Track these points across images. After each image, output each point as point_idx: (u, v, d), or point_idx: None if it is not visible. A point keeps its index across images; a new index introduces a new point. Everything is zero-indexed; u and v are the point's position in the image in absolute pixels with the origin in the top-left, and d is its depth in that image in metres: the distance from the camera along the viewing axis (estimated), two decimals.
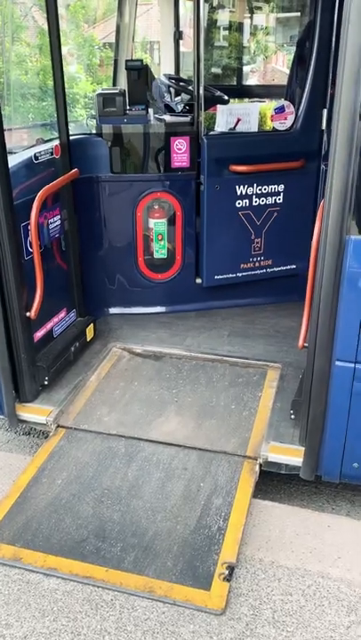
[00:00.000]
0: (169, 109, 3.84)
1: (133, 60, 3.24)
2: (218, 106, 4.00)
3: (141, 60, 3.27)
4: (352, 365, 2.05)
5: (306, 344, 2.19)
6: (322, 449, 2.22)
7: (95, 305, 3.40)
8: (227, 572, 1.90)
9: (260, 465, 2.37)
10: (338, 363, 2.06)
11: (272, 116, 3.39)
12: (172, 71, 4.44)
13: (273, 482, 2.62)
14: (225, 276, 3.49)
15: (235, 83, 4.90)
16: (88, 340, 3.13)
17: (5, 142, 2.27)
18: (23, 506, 2.19)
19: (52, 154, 2.76)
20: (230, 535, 2.04)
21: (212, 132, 3.45)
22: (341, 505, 2.53)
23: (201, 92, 3.19)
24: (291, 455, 2.34)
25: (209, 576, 1.90)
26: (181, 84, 3.78)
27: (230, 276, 3.51)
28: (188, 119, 3.30)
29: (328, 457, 2.22)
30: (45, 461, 2.41)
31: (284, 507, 2.29)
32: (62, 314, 3.00)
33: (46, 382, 2.72)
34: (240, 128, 3.50)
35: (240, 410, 2.68)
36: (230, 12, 4.95)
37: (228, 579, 1.89)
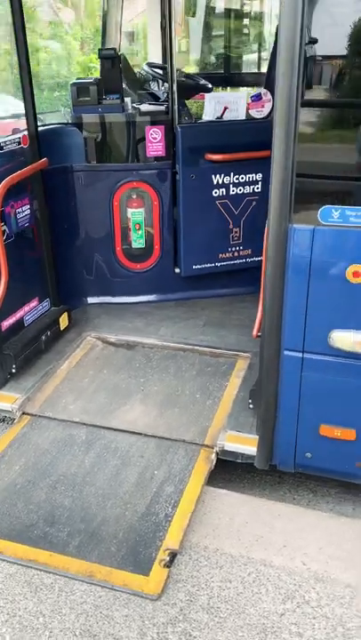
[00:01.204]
0: (155, 98, 3.83)
1: (107, 49, 3.24)
2: (205, 94, 3.98)
3: (114, 49, 3.27)
4: (300, 355, 2.04)
5: (260, 333, 2.19)
6: (275, 438, 2.21)
7: (73, 295, 3.43)
8: (168, 559, 1.92)
9: (217, 454, 2.37)
10: (286, 352, 2.06)
11: (249, 103, 3.36)
12: (159, 60, 4.41)
13: (237, 471, 2.62)
14: (203, 266, 3.49)
15: (222, 70, 4.84)
16: (62, 329, 3.16)
17: None
18: None
19: (19, 143, 2.78)
20: (177, 522, 2.06)
21: (200, 121, 3.44)
22: (303, 495, 2.53)
23: (175, 79, 3.16)
24: (247, 444, 2.34)
25: (150, 562, 1.92)
26: (158, 71, 3.76)
27: (209, 265, 3.50)
28: (163, 108, 3.28)
29: (281, 446, 2.22)
30: (6, 448, 2.45)
31: (238, 495, 2.29)
32: (34, 303, 3.03)
33: (14, 370, 2.76)
34: (227, 116, 3.47)
35: (204, 399, 2.69)
36: None
37: (169, 565, 1.91)
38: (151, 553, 1.95)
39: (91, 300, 3.53)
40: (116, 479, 2.26)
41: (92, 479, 2.26)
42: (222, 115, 3.50)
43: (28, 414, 2.63)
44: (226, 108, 3.55)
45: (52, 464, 2.35)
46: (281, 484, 2.59)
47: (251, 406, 2.49)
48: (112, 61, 3.19)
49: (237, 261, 3.54)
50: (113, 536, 2.01)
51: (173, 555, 1.95)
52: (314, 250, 1.88)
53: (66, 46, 16.78)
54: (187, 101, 4.38)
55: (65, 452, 2.41)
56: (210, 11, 5.37)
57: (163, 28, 4.42)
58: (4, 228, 2.73)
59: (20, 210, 2.83)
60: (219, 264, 3.51)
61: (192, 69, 4.99)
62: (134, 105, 3.41)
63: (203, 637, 1.70)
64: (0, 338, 2.72)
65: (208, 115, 3.67)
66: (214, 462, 2.36)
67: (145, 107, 3.38)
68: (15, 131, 3.00)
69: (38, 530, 2.05)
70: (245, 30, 4.91)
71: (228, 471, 2.55)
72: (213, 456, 2.36)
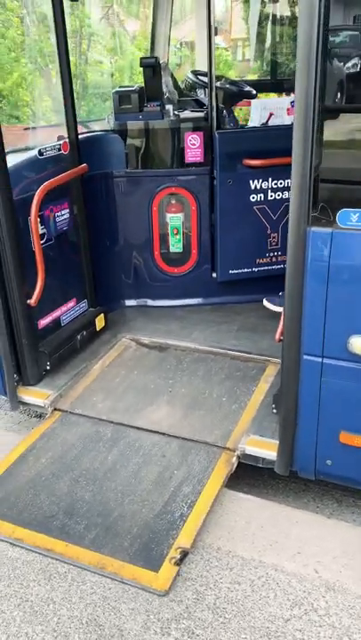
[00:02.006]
0: (200, 104, 3.89)
1: (148, 58, 3.31)
2: (252, 101, 4.01)
3: (156, 58, 3.34)
4: (319, 360, 2.02)
5: (282, 337, 2.18)
6: (296, 444, 2.19)
7: (112, 297, 3.52)
8: (178, 557, 1.95)
9: (239, 457, 2.38)
10: (306, 357, 2.04)
11: (288, 109, 3.35)
12: (205, 67, 4.46)
13: (263, 477, 2.61)
14: (240, 271, 3.49)
15: (269, 77, 4.84)
16: (97, 329, 3.25)
17: (3, 141, 2.41)
18: (6, 480, 2.34)
19: (59, 150, 2.90)
20: (191, 522, 2.08)
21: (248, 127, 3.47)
22: (327, 504, 2.48)
23: (213, 86, 3.21)
24: (268, 449, 2.33)
25: (160, 558, 1.95)
26: (202, 78, 3.81)
27: (245, 270, 3.50)
28: (202, 114, 3.33)
29: (302, 452, 2.20)
30: (36, 441, 2.55)
31: (257, 499, 2.29)
32: (71, 303, 3.14)
33: (48, 367, 2.86)
34: (272, 122, 3.49)
35: (230, 403, 2.69)
36: (268, 2, 4.91)
37: (179, 563, 1.93)
38: (163, 550, 1.98)
39: (128, 302, 3.61)
40: (136, 477, 2.30)
41: (114, 475, 2.32)
42: (268, 121, 3.52)
43: (59, 410, 2.73)
44: (271, 114, 3.56)
45: (77, 459, 2.42)
46: (306, 492, 2.56)
47: (274, 411, 2.47)
48: (153, 69, 3.27)
49: (275, 267, 3.52)
50: (127, 531, 2.06)
51: (185, 553, 1.96)
52: (332, 253, 1.87)
53: (129, 57, 17.19)
54: (236, 108, 4.43)
55: (90, 447, 2.48)
56: (262, 19, 5.41)
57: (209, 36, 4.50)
58: (44, 230, 2.85)
59: (59, 213, 2.94)
60: (256, 269, 3.50)
61: (236, 76, 5.02)
62: (176, 112, 3.48)
63: (205, 636, 1.71)
64: (36, 336, 2.83)
65: (254, 121, 3.70)
66: (235, 465, 2.36)
67: (186, 113, 3.43)
68: (60, 138, 3.13)
69: (58, 521, 2.12)
70: (293, 36, 4.90)
71: (252, 476, 2.55)
72: (234, 459, 2.36)
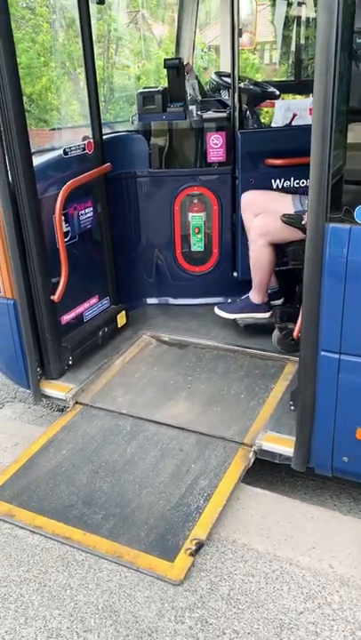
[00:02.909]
0: (224, 105, 3.92)
1: (172, 59, 3.36)
2: (276, 102, 4.03)
3: (180, 59, 3.39)
4: (337, 356, 2.03)
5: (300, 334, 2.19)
6: (312, 440, 2.20)
7: (134, 295, 3.57)
8: (194, 548, 1.97)
9: (255, 453, 2.39)
10: (323, 353, 2.05)
11: (310, 109, 3.36)
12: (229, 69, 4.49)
13: (280, 473, 2.62)
14: None
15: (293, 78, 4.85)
16: (119, 326, 3.30)
17: (29, 140, 2.48)
18: (28, 470, 2.40)
19: (83, 149, 2.96)
20: (207, 514, 2.10)
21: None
22: (345, 502, 2.48)
23: (236, 87, 3.24)
24: (285, 445, 2.34)
25: (176, 549, 1.98)
26: (225, 79, 3.83)
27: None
28: (224, 115, 3.36)
29: (318, 449, 2.20)
30: (57, 433, 2.60)
31: (274, 495, 2.30)
32: (94, 300, 3.19)
33: (70, 362, 2.92)
34: (296, 123, 3.50)
35: (249, 399, 2.71)
36: (295, 4, 4.92)
37: (194, 554, 1.96)
38: (178, 541, 2.01)
39: (150, 300, 3.65)
40: (154, 469, 2.34)
41: (132, 468, 2.36)
42: (291, 121, 3.53)
43: (80, 404, 2.78)
44: (295, 115, 3.57)
45: (97, 451, 2.47)
46: (323, 490, 2.56)
47: (292, 408, 2.48)
48: (177, 71, 3.31)
49: (290, 267, 3.52)
50: (144, 522, 2.09)
51: (200, 545, 1.99)
52: (350, 249, 1.88)
53: (155, 60, 17.31)
54: (261, 110, 4.44)
55: (110, 440, 2.52)
56: (288, 21, 5.41)
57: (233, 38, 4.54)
58: (68, 228, 2.91)
59: (82, 212, 3.00)
60: (276, 268, 3.51)
61: (263, 78, 5.03)
62: (199, 113, 3.51)
63: (218, 625, 1.73)
64: (59, 331, 2.89)
65: (277, 121, 3.71)
66: (252, 461, 2.38)
67: (209, 114, 3.47)
68: (85, 138, 3.20)
69: (76, 510, 2.17)
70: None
71: (270, 473, 2.57)
72: (251, 455, 2.38)
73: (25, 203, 2.51)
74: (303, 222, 2.59)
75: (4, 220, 2.48)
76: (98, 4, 3.40)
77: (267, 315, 3.13)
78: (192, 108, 3.45)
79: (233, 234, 3.48)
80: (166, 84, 3.44)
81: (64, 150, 2.85)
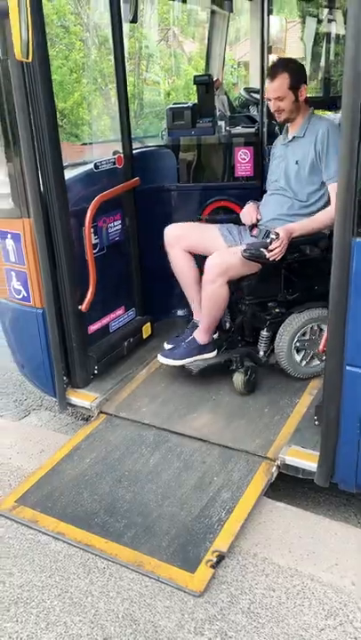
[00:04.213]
0: (251, 120, 3.96)
1: (201, 75, 3.42)
2: None
3: (209, 75, 3.44)
4: None
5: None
6: (336, 456, 2.19)
7: (162, 307, 3.60)
8: (215, 560, 1.97)
9: (278, 467, 2.38)
10: (348, 368, 2.04)
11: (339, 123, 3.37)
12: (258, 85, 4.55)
13: (303, 488, 2.60)
14: None
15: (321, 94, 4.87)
16: (144, 337, 3.33)
17: (61, 155, 2.54)
18: (52, 477, 2.43)
19: (113, 163, 3.02)
20: (228, 527, 2.10)
21: None
22: None
23: (265, 102, 3.27)
24: (308, 460, 2.33)
25: (197, 560, 1.98)
26: (254, 95, 3.88)
27: None
28: (252, 130, 3.40)
29: (342, 464, 2.19)
30: (81, 442, 2.64)
31: (296, 510, 2.28)
32: (120, 311, 3.24)
33: (96, 371, 2.96)
34: None
35: (273, 413, 2.70)
36: (325, 21, 4.96)
37: (215, 566, 1.96)
38: (200, 552, 2.01)
39: (179, 312, 3.67)
40: (177, 480, 2.35)
41: (154, 478, 2.37)
42: None
43: (104, 413, 2.81)
44: None
45: (120, 460, 2.49)
46: (347, 507, 2.53)
47: (316, 423, 2.47)
48: (206, 87, 3.37)
49: None
50: (166, 532, 2.10)
51: (221, 557, 1.99)
52: None
53: (185, 77, 17.53)
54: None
55: (133, 450, 2.55)
56: (317, 38, 5.46)
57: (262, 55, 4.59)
58: (97, 240, 2.97)
59: (111, 225, 3.06)
60: None
61: None
62: (227, 128, 3.56)
63: (238, 639, 1.72)
64: (86, 341, 2.93)
65: None
66: (275, 475, 2.37)
67: (237, 129, 3.51)
68: (115, 152, 3.26)
69: (99, 518, 2.19)
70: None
71: (293, 487, 2.55)
72: (274, 469, 2.37)
73: (56, 214, 2.57)
74: (267, 256, 2.55)
75: (36, 231, 2.54)
76: (130, 22, 3.49)
77: (214, 353, 2.92)
78: (221, 123, 3.50)
79: None
80: (196, 100, 3.50)
81: (95, 164, 2.92)
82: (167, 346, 3.03)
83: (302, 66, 2.79)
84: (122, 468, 2.45)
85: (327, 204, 2.71)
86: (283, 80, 2.63)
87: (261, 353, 2.87)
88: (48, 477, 2.43)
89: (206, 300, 2.77)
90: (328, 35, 4.90)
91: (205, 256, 2.80)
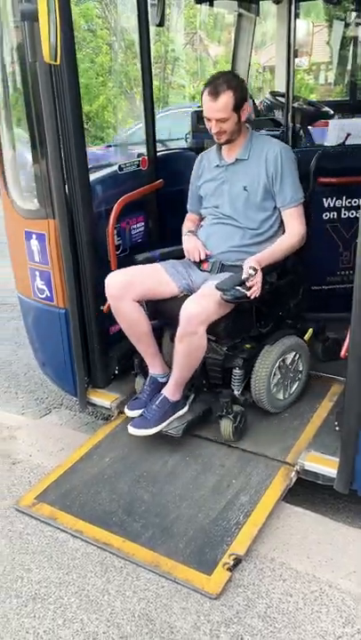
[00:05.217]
0: (276, 124, 3.96)
1: None
2: (330, 121, 4.03)
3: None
4: None
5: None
6: (356, 462, 2.17)
7: None
8: (232, 563, 1.97)
9: (298, 472, 2.37)
10: None
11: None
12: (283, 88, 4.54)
13: (322, 495, 2.58)
14: (310, 288, 3.48)
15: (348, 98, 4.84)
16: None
17: (87, 157, 2.57)
18: (71, 476, 2.45)
19: (138, 165, 3.04)
20: (246, 530, 2.10)
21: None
22: None
23: (290, 107, 3.27)
24: (328, 466, 2.31)
25: (214, 563, 1.98)
26: (279, 99, 3.87)
27: (315, 288, 3.49)
28: (277, 133, 3.39)
29: None
30: (100, 441, 2.66)
31: (315, 515, 2.27)
32: None
33: (116, 372, 2.98)
34: (350, 142, 3.50)
35: (293, 419, 2.69)
36: (352, 25, 4.93)
37: (232, 569, 1.95)
38: (217, 555, 2.00)
39: None
40: (195, 482, 2.35)
41: (173, 479, 2.38)
42: (345, 141, 3.52)
43: (124, 413, 2.82)
44: (348, 135, 3.57)
45: (139, 460, 2.50)
46: None
47: (337, 428, 2.44)
48: None
49: (347, 285, 3.48)
50: (183, 534, 2.10)
51: (238, 560, 1.98)
52: None
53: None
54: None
55: (152, 451, 2.55)
56: (344, 42, 5.43)
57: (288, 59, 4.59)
58: (119, 241, 2.99)
59: (134, 226, 3.08)
60: (326, 287, 3.49)
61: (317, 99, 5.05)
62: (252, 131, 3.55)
63: None
64: (107, 341, 2.95)
65: (330, 140, 3.71)
66: (294, 480, 2.35)
67: (262, 133, 3.50)
68: (140, 155, 3.29)
69: (117, 517, 2.20)
70: None
71: (312, 493, 2.53)
72: (293, 474, 2.36)
73: (80, 216, 2.59)
74: (248, 295, 2.28)
75: (60, 232, 2.57)
76: (157, 26, 3.51)
77: (186, 408, 2.60)
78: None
79: None
80: None
81: (119, 166, 2.94)
82: (131, 412, 2.61)
83: (244, 81, 2.52)
84: (140, 468, 2.46)
85: (279, 229, 2.57)
86: (227, 100, 2.34)
87: (237, 393, 2.58)
88: (67, 475, 2.46)
89: (184, 355, 2.40)
90: (355, 38, 4.87)
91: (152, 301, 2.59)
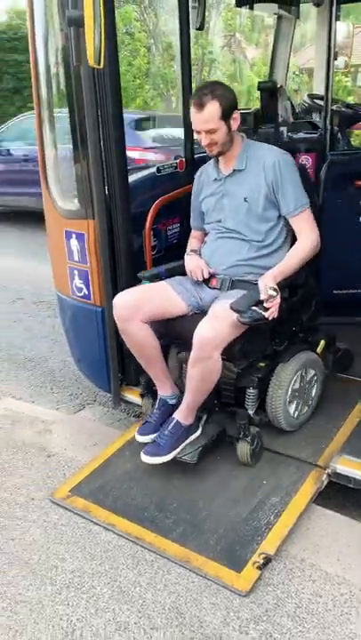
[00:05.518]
0: (314, 127, 3.95)
1: (265, 82, 3.44)
2: None
3: (273, 82, 3.46)
4: None
5: None
6: None
7: None
8: (261, 562, 1.98)
9: (329, 475, 2.37)
10: None
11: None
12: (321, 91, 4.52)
13: (354, 498, 2.56)
14: (344, 292, 3.47)
15: None
16: None
17: (126, 159, 2.63)
18: (104, 470, 2.51)
19: (175, 167, 3.08)
20: (276, 531, 2.11)
21: None
22: None
23: (329, 109, 3.26)
24: (360, 470, 2.31)
25: (244, 561, 2.00)
26: (318, 101, 3.86)
27: (350, 291, 3.47)
28: (315, 136, 3.39)
29: None
30: (133, 437, 2.69)
31: (346, 519, 2.26)
32: None
33: None
34: None
35: (325, 422, 2.69)
36: None
37: (261, 568, 1.97)
38: (247, 553, 2.03)
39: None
40: (226, 482, 2.37)
41: (204, 478, 2.40)
42: None
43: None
44: None
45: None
46: None
47: None
48: (270, 93, 3.39)
49: None
50: (214, 531, 2.13)
51: (268, 560, 2.00)
52: None
53: (247, 82, 17.56)
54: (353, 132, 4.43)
55: None
56: None
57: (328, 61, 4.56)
58: (155, 242, 3.03)
59: (170, 227, 3.12)
60: (353, 291, 3.47)
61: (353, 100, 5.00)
62: (289, 134, 3.56)
63: None
64: None
65: None
66: (325, 483, 2.35)
67: (299, 135, 3.51)
68: (177, 157, 3.33)
69: (149, 513, 2.24)
70: None
71: (343, 497, 2.52)
72: (324, 477, 2.36)
73: (118, 216, 2.64)
74: (267, 316, 2.17)
75: (99, 232, 2.63)
76: (197, 29, 3.55)
77: (199, 431, 2.47)
78: (283, 129, 3.51)
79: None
80: (257, 106, 3.52)
81: (157, 168, 2.99)
82: (142, 438, 2.51)
83: (231, 89, 2.39)
84: (172, 466, 2.48)
85: (287, 239, 2.49)
86: (213, 109, 2.25)
87: (251, 412, 2.47)
88: (101, 470, 2.51)
89: (198, 380, 2.29)
90: None
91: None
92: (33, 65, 2.67)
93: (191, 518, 2.20)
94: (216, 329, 2.19)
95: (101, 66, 2.19)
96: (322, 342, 2.82)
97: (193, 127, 2.39)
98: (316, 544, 2.11)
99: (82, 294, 2.83)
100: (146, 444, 2.46)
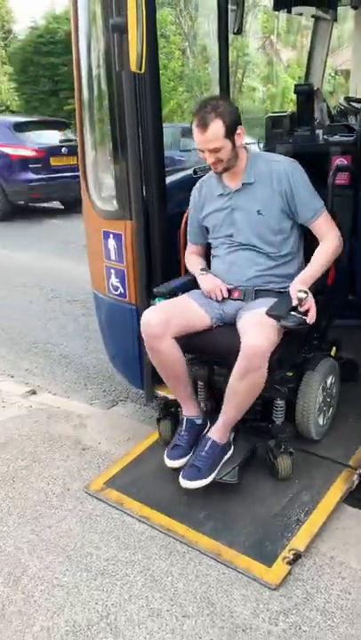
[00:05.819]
0: (350, 130, 3.95)
1: (302, 85, 3.46)
2: None
3: (310, 84, 3.48)
4: None
5: None
6: None
7: None
8: (291, 557, 2.02)
9: (360, 476, 2.38)
10: None
11: None
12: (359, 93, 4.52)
13: None
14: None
15: None
16: None
17: (164, 161, 2.69)
18: (137, 465, 2.57)
19: (210, 169, 3.13)
20: (306, 528, 2.14)
21: None
22: None
23: None
24: None
25: (274, 556, 2.03)
26: (354, 104, 3.86)
27: None
28: (351, 139, 3.39)
29: None
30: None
31: None
32: None
33: None
34: None
35: (356, 423, 2.70)
36: None
37: (291, 563, 2.00)
38: (276, 549, 2.06)
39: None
40: (257, 479, 2.41)
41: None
42: None
43: None
44: None
45: None
46: None
47: None
48: (306, 96, 3.41)
49: None
50: (244, 526, 2.17)
51: (297, 556, 2.03)
52: None
53: (281, 84, 17.50)
54: None
55: None
56: None
57: None
58: None
59: None
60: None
61: None
62: (325, 137, 3.57)
63: (312, 634, 1.76)
64: None
65: None
66: (356, 483, 2.37)
67: (335, 138, 3.52)
68: None
69: (181, 507, 2.29)
70: None
71: None
72: (355, 477, 2.38)
73: (155, 218, 2.71)
74: (307, 320, 2.15)
75: (136, 233, 2.70)
76: (235, 34, 3.60)
77: (232, 449, 2.39)
78: (318, 132, 3.52)
79: (350, 257, 3.47)
80: (292, 108, 3.54)
81: (194, 170, 3.05)
82: (173, 463, 2.40)
83: (233, 105, 2.35)
84: None
85: (301, 246, 2.49)
86: (217, 129, 2.21)
87: (279, 424, 2.47)
88: (134, 464, 2.58)
89: (245, 395, 2.21)
90: None
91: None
92: (76, 70, 2.77)
93: (221, 514, 2.24)
94: (265, 335, 2.12)
95: (143, 71, 2.25)
96: (334, 349, 2.81)
97: (196, 146, 2.34)
98: (346, 542, 2.13)
99: (118, 293, 2.91)
100: (176, 468, 2.38)
